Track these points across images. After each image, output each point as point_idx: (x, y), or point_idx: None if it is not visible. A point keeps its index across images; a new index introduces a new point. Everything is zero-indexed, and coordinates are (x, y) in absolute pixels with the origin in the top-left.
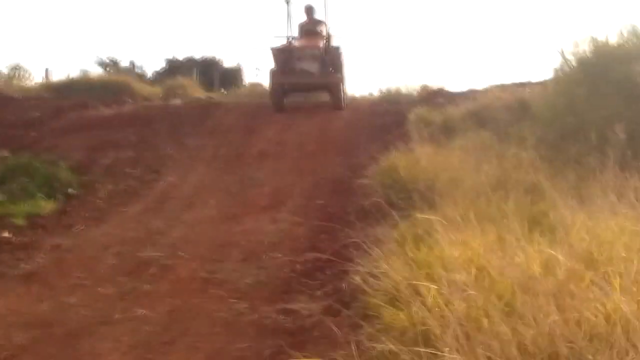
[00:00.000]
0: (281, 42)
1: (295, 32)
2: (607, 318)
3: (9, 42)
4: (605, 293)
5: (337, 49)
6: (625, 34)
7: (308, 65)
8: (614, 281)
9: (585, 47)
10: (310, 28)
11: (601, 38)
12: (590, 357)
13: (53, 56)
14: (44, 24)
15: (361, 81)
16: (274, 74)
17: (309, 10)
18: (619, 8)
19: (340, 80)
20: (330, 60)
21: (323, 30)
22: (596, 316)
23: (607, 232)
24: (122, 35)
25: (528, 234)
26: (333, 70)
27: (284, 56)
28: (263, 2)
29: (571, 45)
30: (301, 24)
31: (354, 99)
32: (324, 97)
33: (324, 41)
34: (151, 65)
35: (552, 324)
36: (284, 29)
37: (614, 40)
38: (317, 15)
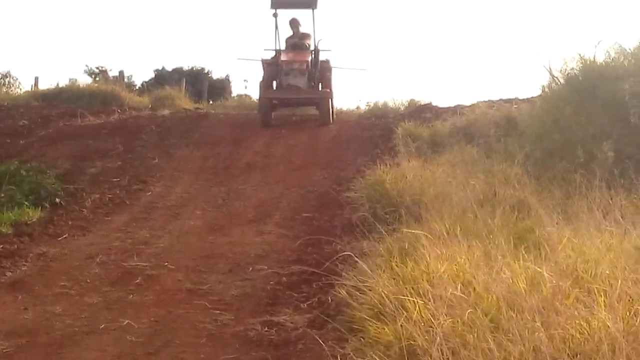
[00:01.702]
0: (270, 54)
1: (283, 45)
2: (592, 335)
3: None
4: (591, 310)
5: (325, 62)
6: (612, 53)
7: (295, 80)
8: (599, 298)
9: (572, 65)
10: (297, 42)
11: (589, 56)
12: None
13: (42, 65)
14: (33, 32)
15: (348, 94)
16: (261, 89)
17: (294, 23)
18: (606, 26)
19: (328, 96)
20: (319, 74)
21: (310, 43)
22: (581, 333)
23: (593, 250)
24: (112, 44)
25: (514, 250)
26: (321, 85)
27: (272, 70)
28: (252, 14)
29: (559, 63)
30: (287, 37)
31: (341, 112)
32: (312, 109)
33: (312, 55)
34: (140, 75)
35: (537, 341)
36: (272, 42)
37: (601, 58)
38: (304, 29)
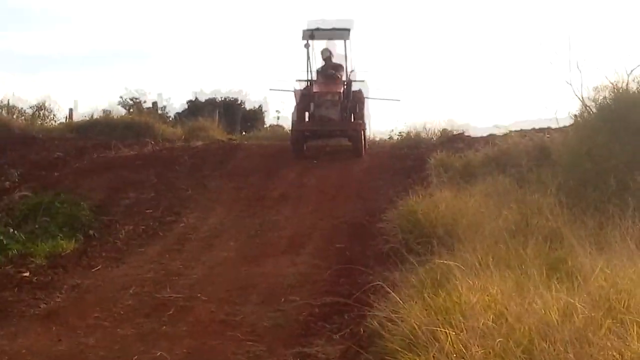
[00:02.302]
0: (302, 85)
1: (314, 76)
2: None
3: (34, 81)
4: (624, 341)
5: (357, 93)
6: None
7: (328, 111)
8: (632, 329)
9: (605, 94)
10: (329, 73)
11: (621, 84)
12: None
13: (76, 96)
14: (68, 63)
15: (381, 123)
16: (294, 120)
17: (326, 53)
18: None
19: (360, 128)
20: (351, 105)
21: (342, 74)
22: None
23: (626, 280)
24: (146, 75)
25: (546, 281)
26: (354, 116)
27: (304, 101)
28: (284, 44)
29: (591, 92)
30: (319, 68)
31: (374, 142)
32: (345, 140)
33: (344, 86)
34: (173, 106)
35: None
36: (304, 73)
37: (634, 87)
38: (336, 59)
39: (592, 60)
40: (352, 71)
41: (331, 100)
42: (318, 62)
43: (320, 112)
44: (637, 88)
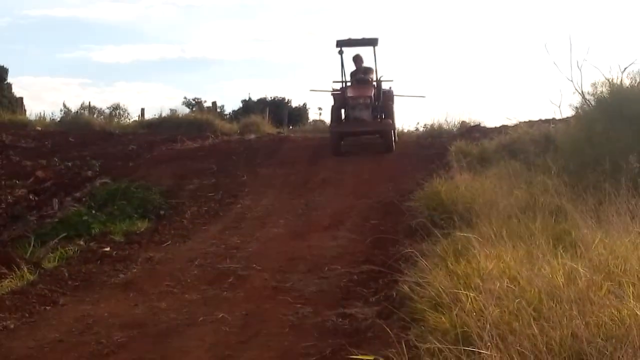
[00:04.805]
0: (339, 85)
1: (348, 78)
2: (623, 322)
3: (105, 89)
4: (621, 300)
5: (387, 92)
6: (638, 77)
7: (361, 113)
8: (629, 290)
9: (602, 89)
10: (361, 77)
11: (616, 80)
12: (608, 354)
13: (147, 98)
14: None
15: (408, 117)
16: (332, 120)
17: (357, 59)
18: (633, 51)
19: (390, 127)
20: (382, 105)
21: (372, 77)
22: (613, 320)
23: (622, 248)
24: (206, 80)
25: (553, 250)
26: (385, 114)
27: (340, 102)
28: (323, 51)
29: (590, 87)
30: (352, 72)
31: (402, 134)
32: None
33: (374, 88)
34: (230, 105)
35: (575, 327)
36: (339, 76)
37: (627, 82)
38: (367, 63)
39: (590, 59)
40: (381, 76)
41: (364, 104)
42: (351, 67)
43: (354, 114)
44: (630, 83)
